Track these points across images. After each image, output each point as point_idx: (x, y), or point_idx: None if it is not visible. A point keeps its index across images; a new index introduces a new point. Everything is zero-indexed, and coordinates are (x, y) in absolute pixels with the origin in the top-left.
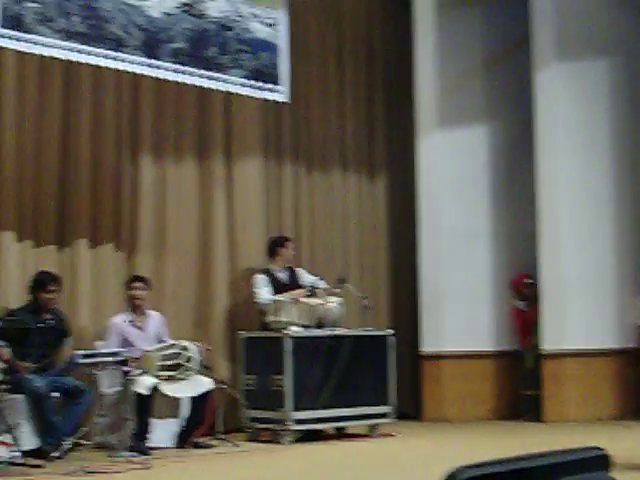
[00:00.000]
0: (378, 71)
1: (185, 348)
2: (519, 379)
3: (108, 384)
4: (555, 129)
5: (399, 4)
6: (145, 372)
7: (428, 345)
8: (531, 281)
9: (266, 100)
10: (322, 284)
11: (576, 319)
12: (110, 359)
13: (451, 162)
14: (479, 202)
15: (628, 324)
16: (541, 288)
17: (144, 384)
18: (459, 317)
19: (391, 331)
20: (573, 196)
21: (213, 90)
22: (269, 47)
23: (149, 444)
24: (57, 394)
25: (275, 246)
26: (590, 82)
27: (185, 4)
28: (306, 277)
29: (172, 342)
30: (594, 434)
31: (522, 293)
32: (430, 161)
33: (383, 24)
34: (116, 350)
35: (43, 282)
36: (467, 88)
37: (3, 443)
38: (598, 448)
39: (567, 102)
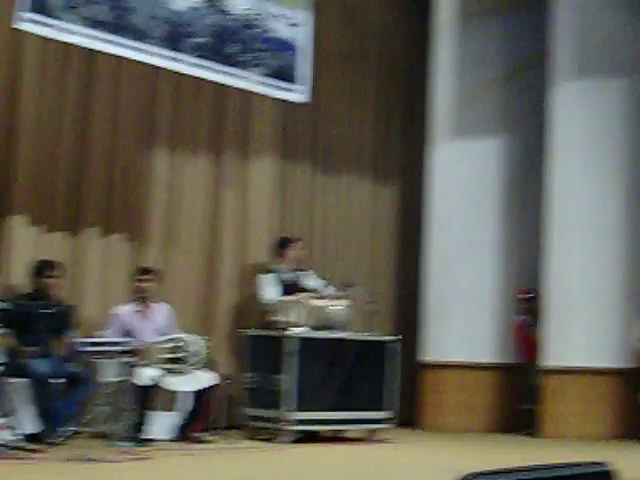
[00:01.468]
0: (398, 76)
1: (189, 342)
2: (518, 393)
3: (110, 373)
4: (568, 145)
5: (420, 12)
6: (147, 364)
7: (430, 353)
8: (532, 295)
9: (284, 100)
10: (329, 289)
11: (580, 335)
12: (113, 349)
13: (463, 173)
14: (489, 213)
15: (628, 344)
16: (547, 303)
17: (146, 375)
18: (463, 327)
19: (396, 337)
20: (583, 211)
21: (231, 87)
22: (291, 47)
23: (148, 436)
24: (60, 380)
25: (279, 247)
26: (606, 100)
27: None
28: (313, 280)
29: (176, 335)
30: (594, 450)
31: (523, 307)
32: (442, 170)
33: (404, 31)
34: (121, 340)
35: (42, 269)
36: (484, 100)
37: (5, 426)
38: (602, 463)
39: (582, 119)
